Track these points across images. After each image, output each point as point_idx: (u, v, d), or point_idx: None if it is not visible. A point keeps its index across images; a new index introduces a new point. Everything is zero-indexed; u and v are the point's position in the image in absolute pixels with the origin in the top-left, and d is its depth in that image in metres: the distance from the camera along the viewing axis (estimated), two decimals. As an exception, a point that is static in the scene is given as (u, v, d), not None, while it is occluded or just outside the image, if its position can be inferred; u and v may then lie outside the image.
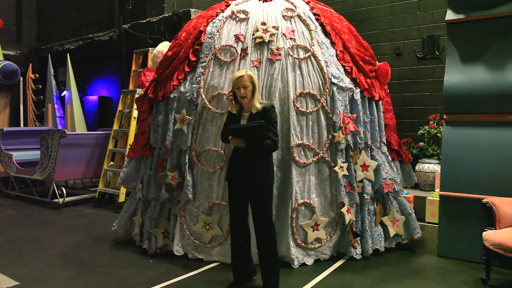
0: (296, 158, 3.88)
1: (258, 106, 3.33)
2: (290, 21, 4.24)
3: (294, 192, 3.85)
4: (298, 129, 3.94)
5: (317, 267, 3.81)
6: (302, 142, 3.92)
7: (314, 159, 3.95)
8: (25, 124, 9.20)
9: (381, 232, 4.18)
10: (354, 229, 4.02)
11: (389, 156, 4.41)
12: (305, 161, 3.92)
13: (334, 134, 4.00)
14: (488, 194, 3.84)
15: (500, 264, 3.50)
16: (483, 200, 3.64)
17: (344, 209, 3.95)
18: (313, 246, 3.92)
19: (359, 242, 4.03)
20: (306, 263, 3.88)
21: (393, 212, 4.23)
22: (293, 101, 3.93)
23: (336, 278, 3.59)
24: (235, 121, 3.37)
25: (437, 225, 4.27)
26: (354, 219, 4.03)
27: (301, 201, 3.88)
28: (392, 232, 4.19)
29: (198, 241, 4.00)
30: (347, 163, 4.02)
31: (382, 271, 3.75)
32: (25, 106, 9.25)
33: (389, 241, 4.23)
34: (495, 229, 3.51)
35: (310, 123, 3.98)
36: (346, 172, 4.00)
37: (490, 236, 3.40)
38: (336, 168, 3.97)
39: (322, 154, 3.97)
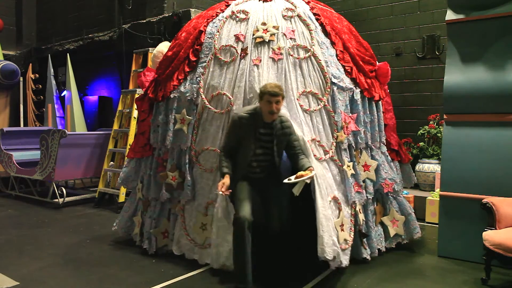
0: (314, 152, 3.73)
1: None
2: (290, 21, 4.24)
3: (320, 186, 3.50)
4: (306, 127, 3.82)
5: (317, 267, 3.80)
6: (314, 138, 3.81)
7: (324, 157, 3.86)
8: (25, 124, 9.21)
9: (381, 232, 4.17)
10: (362, 230, 3.98)
11: (388, 156, 4.40)
12: (320, 157, 3.78)
13: (337, 133, 3.98)
14: (488, 194, 3.84)
15: (500, 264, 3.50)
16: (483, 200, 3.64)
17: (357, 209, 3.88)
18: (344, 247, 3.54)
19: (366, 242, 4.01)
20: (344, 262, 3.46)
21: (393, 212, 4.23)
22: (297, 99, 3.89)
23: (336, 278, 3.59)
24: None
25: (437, 225, 4.28)
26: (364, 219, 3.98)
27: (331, 196, 3.63)
28: (392, 232, 4.19)
29: (194, 242, 3.98)
30: (352, 162, 3.99)
31: (382, 271, 3.75)
32: (25, 106, 9.25)
33: (389, 241, 4.23)
34: (495, 229, 3.51)
35: (315, 121, 3.92)
36: (353, 171, 3.95)
37: (490, 236, 3.40)
38: (345, 167, 3.90)
39: (331, 153, 3.88)
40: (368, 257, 3.92)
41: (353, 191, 3.89)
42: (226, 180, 3.33)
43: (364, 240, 3.98)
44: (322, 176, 3.55)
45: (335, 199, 3.68)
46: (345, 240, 3.62)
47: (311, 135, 3.82)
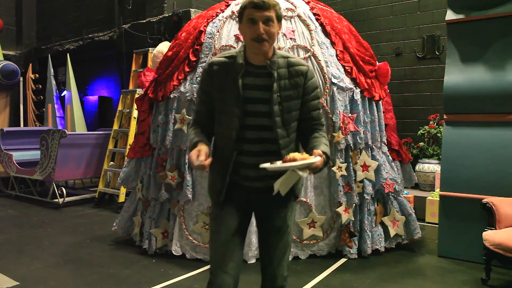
0: None
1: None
2: (290, 21, 4.24)
3: None
4: None
5: (317, 267, 3.81)
6: None
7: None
8: (25, 124, 9.21)
9: (381, 232, 4.18)
10: (352, 229, 4.02)
11: (389, 156, 4.40)
12: None
13: (334, 134, 4.00)
14: (488, 194, 3.84)
15: (500, 264, 3.50)
16: (483, 200, 3.64)
17: (341, 209, 3.97)
18: (308, 242, 4.00)
19: (356, 242, 4.03)
20: (300, 257, 3.99)
21: (394, 212, 4.23)
22: None
23: (336, 278, 3.59)
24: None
25: (437, 225, 4.27)
26: (353, 219, 4.04)
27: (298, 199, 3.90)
28: (392, 232, 4.19)
29: (197, 241, 4.00)
30: (346, 164, 4.03)
31: (382, 271, 3.75)
32: (25, 106, 9.25)
33: (389, 241, 4.23)
34: (495, 229, 3.51)
35: None
36: (344, 173, 4.01)
37: (490, 236, 3.40)
38: (334, 168, 3.98)
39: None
40: (353, 256, 3.99)
41: (341, 192, 3.98)
42: (202, 147, 1.87)
43: (354, 239, 4.02)
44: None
45: (301, 202, 3.96)
46: (314, 235, 4.00)
47: None
